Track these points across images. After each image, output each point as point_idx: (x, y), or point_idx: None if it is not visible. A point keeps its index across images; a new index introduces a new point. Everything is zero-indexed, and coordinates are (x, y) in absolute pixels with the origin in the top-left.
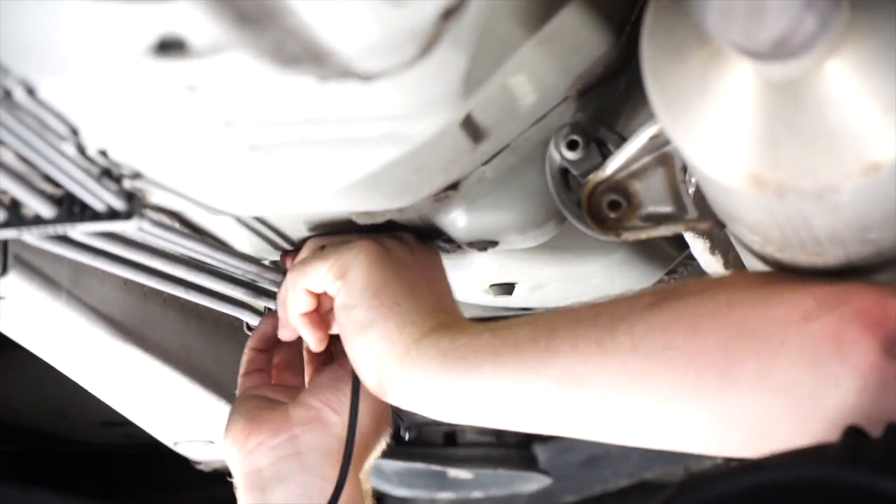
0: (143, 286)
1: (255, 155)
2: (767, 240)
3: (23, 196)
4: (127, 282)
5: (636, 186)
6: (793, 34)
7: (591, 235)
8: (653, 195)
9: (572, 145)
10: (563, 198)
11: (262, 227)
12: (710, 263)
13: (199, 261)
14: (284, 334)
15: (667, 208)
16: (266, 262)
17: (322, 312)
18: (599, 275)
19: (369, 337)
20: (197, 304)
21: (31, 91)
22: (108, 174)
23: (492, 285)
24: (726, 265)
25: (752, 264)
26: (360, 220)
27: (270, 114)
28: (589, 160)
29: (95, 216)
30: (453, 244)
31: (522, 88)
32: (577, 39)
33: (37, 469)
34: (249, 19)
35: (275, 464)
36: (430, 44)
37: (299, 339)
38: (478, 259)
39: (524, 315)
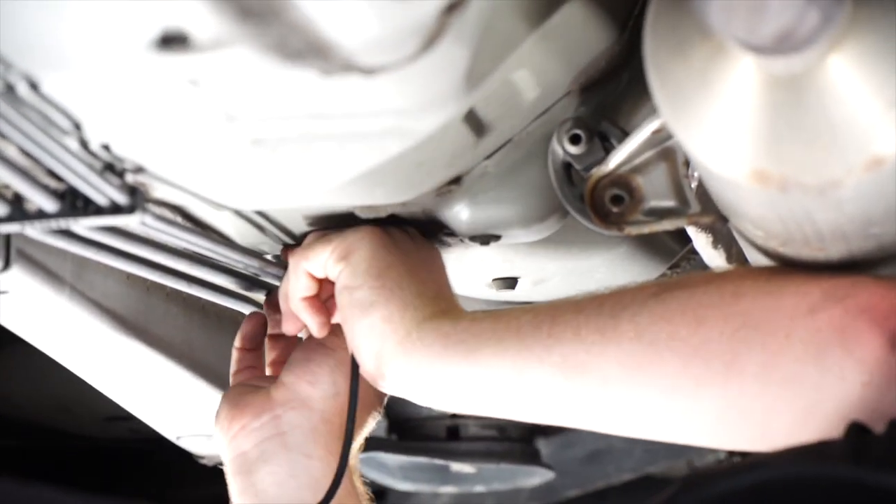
0: (145, 280)
1: (258, 149)
2: (770, 234)
3: (26, 190)
4: (130, 276)
5: (639, 181)
6: (795, 29)
7: (594, 230)
8: (655, 190)
9: (575, 140)
10: (566, 192)
11: (265, 222)
12: (713, 258)
13: (201, 255)
14: (289, 327)
15: (669, 203)
16: (268, 257)
17: (322, 299)
18: (602, 269)
19: (370, 318)
20: (200, 299)
21: (34, 86)
22: (111, 169)
23: (494, 279)
24: (729, 260)
25: (755, 259)
26: (363, 214)
27: (273, 108)
28: (592, 155)
29: (98, 211)
30: (456, 238)
31: (525, 83)
32: (580, 34)
33: (40, 464)
34: (252, 14)
35: (258, 445)
36: (432, 38)
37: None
38: (480, 253)
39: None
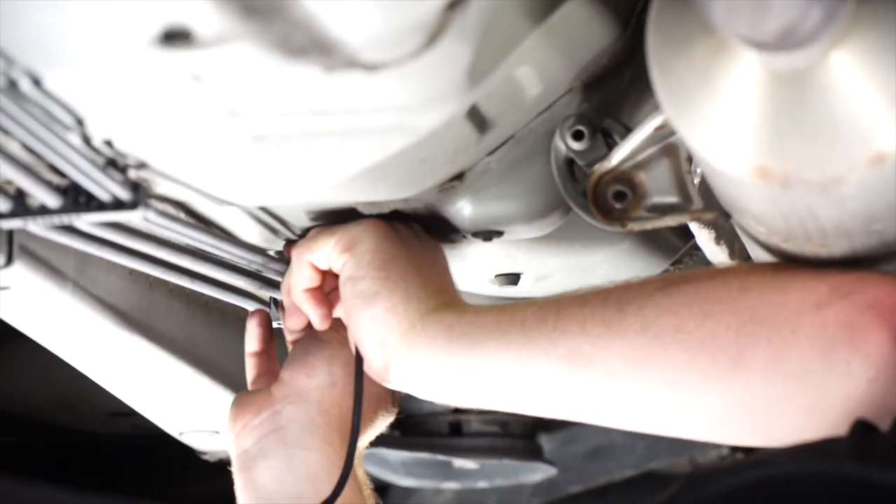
0: (148, 276)
1: (261, 146)
2: (773, 230)
3: (28, 186)
4: (132, 272)
5: (641, 177)
6: (798, 25)
7: (597, 226)
8: (658, 186)
9: (578, 136)
10: (569, 188)
11: (267, 217)
12: (716, 254)
13: (204, 251)
14: (292, 322)
15: (672, 199)
16: (271, 252)
17: (325, 292)
18: (605, 265)
19: (374, 309)
20: (202, 294)
21: (36, 81)
22: (114, 164)
23: (497, 275)
24: (732, 255)
25: (758, 255)
26: (366, 211)
27: (276, 104)
28: (594, 151)
29: (101, 206)
30: (458, 234)
31: (527, 79)
32: (583, 31)
33: (42, 460)
34: (255, 10)
35: (258, 442)
36: (435, 35)
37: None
38: (483, 249)
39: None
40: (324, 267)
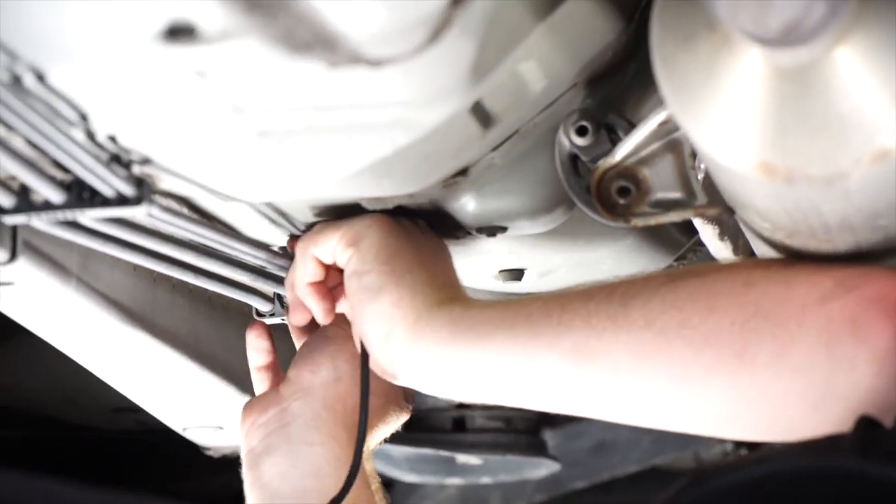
0: (152, 272)
1: (265, 141)
2: (777, 226)
3: (32, 182)
4: (136, 267)
5: (645, 173)
6: (802, 20)
7: (601, 221)
8: (662, 181)
9: (581, 131)
10: (573, 184)
11: (271, 213)
12: (720, 250)
13: (208, 246)
14: (295, 317)
15: (676, 194)
16: (275, 248)
17: (328, 287)
18: (609, 261)
19: (380, 303)
20: (206, 290)
21: (40, 77)
22: (118, 160)
23: (501, 271)
24: (735, 251)
25: (762, 250)
26: (370, 206)
27: (280, 100)
28: (598, 146)
29: (105, 202)
30: (462, 230)
31: (531, 75)
32: (587, 26)
33: (46, 455)
34: (259, 5)
35: (264, 439)
36: (439, 30)
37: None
38: (487, 245)
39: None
40: (328, 261)
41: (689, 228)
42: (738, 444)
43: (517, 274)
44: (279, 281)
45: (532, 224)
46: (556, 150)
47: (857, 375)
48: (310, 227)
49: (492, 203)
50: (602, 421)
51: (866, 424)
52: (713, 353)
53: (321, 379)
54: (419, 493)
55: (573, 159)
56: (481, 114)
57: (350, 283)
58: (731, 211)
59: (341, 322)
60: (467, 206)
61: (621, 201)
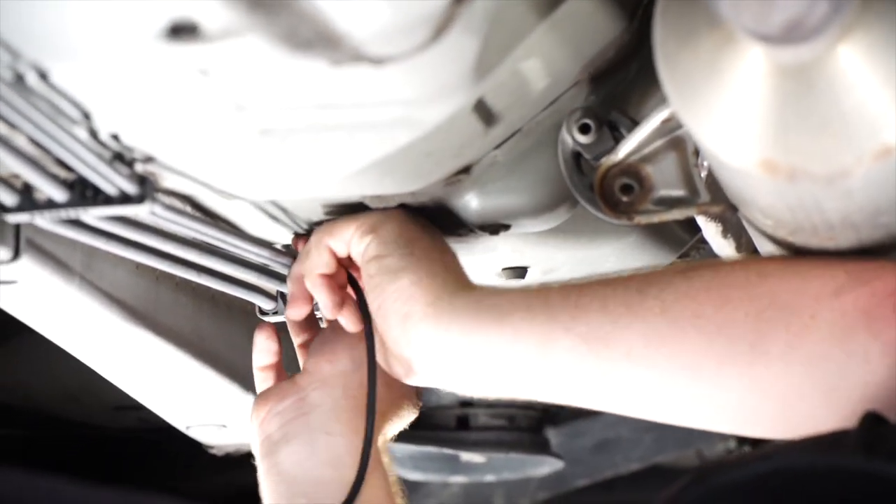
0: (155, 270)
1: (267, 139)
2: (780, 223)
3: (35, 180)
4: (139, 266)
5: (648, 170)
6: (804, 18)
7: (604, 219)
8: (665, 179)
9: (584, 129)
10: (576, 181)
11: (275, 210)
12: (723, 247)
13: (211, 244)
14: (294, 311)
15: (679, 192)
16: (278, 246)
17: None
18: (612, 258)
19: (399, 282)
20: (209, 288)
21: (43, 75)
22: (121, 158)
23: (504, 269)
24: (738, 249)
25: (765, 248)
26: (372, 204)
27: (282, 98)
28: (601, 144)
29: (108, 200)
30: (465, 228)
31: (534, 72)
32: (589, 24)
33: (49, 453)
34: (261, 4)
35: (282, 427)
36: (441, 28)
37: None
38: (490, 243)
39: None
40: (342, 252)
41: (692, 226)
42: (741, 442)
43: (520, 272)
44: (282, 279)
45: (535, 222)
46: (559, 147)
47: (871, 369)
48: (314, 224)
49: (494, 201)
50: (604, 419)
51: (872, 420)
52: (727, 342)
53: (340, 369)
54: (423, 490)
55: (576, 157)
56: (484, 112)
57: (369, 267)
58: (733, 208)
59: (352, 315)
60: (470, 204)
61: (624, 199)
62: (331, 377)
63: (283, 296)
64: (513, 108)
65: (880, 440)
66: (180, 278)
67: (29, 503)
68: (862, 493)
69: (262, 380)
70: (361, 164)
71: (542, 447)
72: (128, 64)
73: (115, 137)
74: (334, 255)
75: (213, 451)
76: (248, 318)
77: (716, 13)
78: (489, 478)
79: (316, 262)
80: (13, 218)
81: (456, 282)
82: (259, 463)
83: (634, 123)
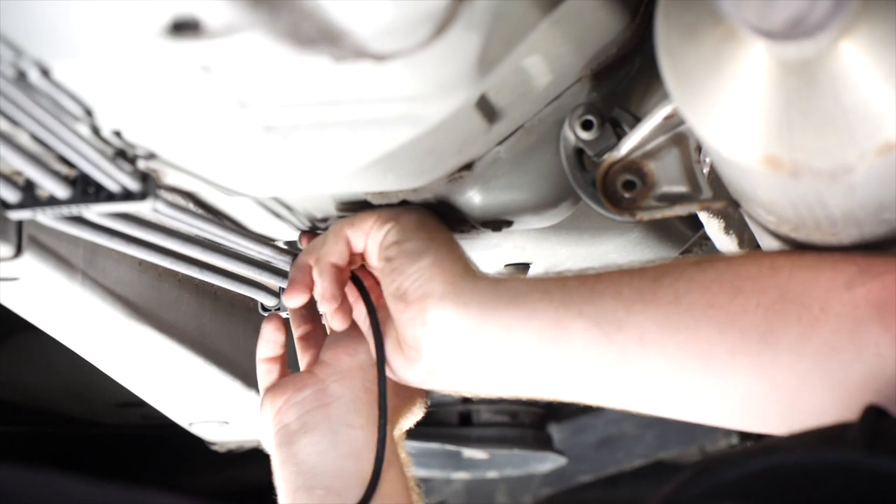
0: (157, 267)
1: (270, 136)
2: (782, 219)
3: (37, 177)
4: (142, 263)
5: (651, 166)
6: (807, 14)
7: (606, 215)
8: (667, 175)
9: (587, 125)
10: (578, 178)
11: (278, 207)
12: (725, 243)
13: (213, 241)
14: (291, 299)
15: (681, 188)
16: (280, 243)
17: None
18: (614, 255)
19: (420, 263)
20: (212, 285)
21: (45, 72)
22: (123, 155)
23: (506, 265)
24: (741, 245)
25: (767, 244)
26: (375, 201)
27: (285, 95)
28: (603, 140)
29: (110, 197)
30: (468, 225)
31: (537, 69)
32: (592, 20)
33: (52, 450)
34: (264, 0)
35: (301, 417)
36: (444, 24)
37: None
38: (492, 239)
39: None
40: (360, 244)
41: (694, 222)
42: (745, 438)
43: (523, 268)
44: (284, 276)
45: (537, 218)
46: (562, 144)
47: (881, 362)
48: (317, 221)
49: (497, 197)
50: (608, 415)
51: (874, 414)
52: (738, 333)
53: (359, 362)
54: (425, 487)
55: (578, 153)
56: (486, 108)
57: (389, 251)
58: (736, 204)
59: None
60: (472, 200)
61: (627, 195)
62: (350, 370)
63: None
64: (515, 105)
65: (882, 435)
66: (183, 275)
67: (31, 500)
68: (864, 491)
69: (266, 372)
70: (364, 160)
71: (545, 443)
72: (130, 61)
73: (118, 134)
74: (350, 247)
75: (216, 448)
76: (250, 315)
77: (718, 9)
78: (492, 474)
79: (331, 250)
80: (15, 215)
81: (474, 268)
82: (274, 452)
83: (637, 120)
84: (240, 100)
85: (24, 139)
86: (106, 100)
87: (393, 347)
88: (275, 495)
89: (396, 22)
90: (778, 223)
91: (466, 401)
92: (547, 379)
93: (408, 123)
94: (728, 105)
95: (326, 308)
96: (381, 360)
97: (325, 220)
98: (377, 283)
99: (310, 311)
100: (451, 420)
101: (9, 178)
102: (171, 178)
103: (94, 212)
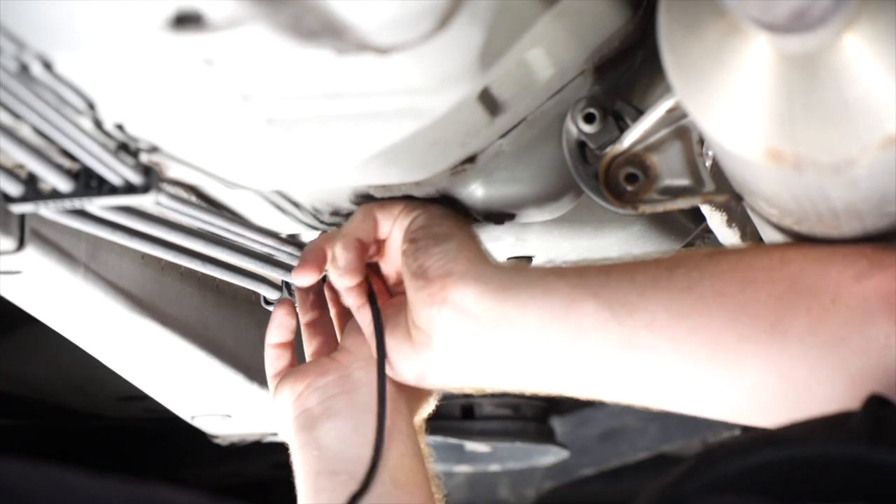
0: (160, 260)
1: (273, 129)
2: (785, 212)
3: (40, 170)
4: (144, 256)
5: (653, 159)
6: (810, 8)
7: (608, 209)
8: (670, 168)
9: (589, 118)
10: (581, 171)
11: (280, 200)
12: (728, 236)
13: (216, 234)
14: (301, 277)
15: (684, 181)
16: (283, 236)
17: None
18: (616, 248)
19: (446, 245)
20: (214, 278)
21: (48, 65)
22: (125, 148)
23: (509, 258)
24: (743, 238)
25: (770, 237)
26: (378, 194)
27: (288, 88)
28: (606, 133)
29: (112, 190)
30: (470, 218)
31: (539, 62)
32: (594, 13)
33: (54, 443)
34: None
35: (323, 402)
36: (447, 17)
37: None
38: (495, 232)
39: None
40: (387, 227)
41: (697, 215)
42: (746, 430)
43: (525, 261)
44: (287, 269)
45: (540, 211)
46: (564, 137)
47: (890, 354)
48: (326, 216)
49: (500, 190)
50: (610, 408)
51: (875, 403)
52: (748, 321)
53: None
54: None
55: (581, 146)
56: (489, 101)
57: (415, 234)
58: (739, 198)
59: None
60: (475, 193)
61: (629, 188)
62: (373, 358)
63: (287, 286)
64: (518, 98)
65: (884, 426)
66: (185, 268)
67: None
68: (865, 483)
69: (275, 358)
70: (367, 153)
71: (548, 436)
72: (133, 54)
73: (120, 127)
74: (377, 225)
75: (218, 441)
76: (252, 308)
77: (721, 3)
78: (494, 467)
79: (359, 227)
80: (18, 208)
81: (494, 259)
82: (294, 436)
83: (639, 113)
84: (242, 93)
85: (26, 132)
86: (108, 93)
87: (401, 336)
88: (276, 490)
89: (399, 15)
90: (780, 216)
91: (469, 394)
92: (554, 364)
93: (411, 116)
94: (731, 98)
95: (347, 283)
96: (381, 349)
97: (335, 213)
98: (379, 279)
99: (318, 298)
100: (453, 413)
101: (11, 172)
102: (173, 171)
103: (97, 205)
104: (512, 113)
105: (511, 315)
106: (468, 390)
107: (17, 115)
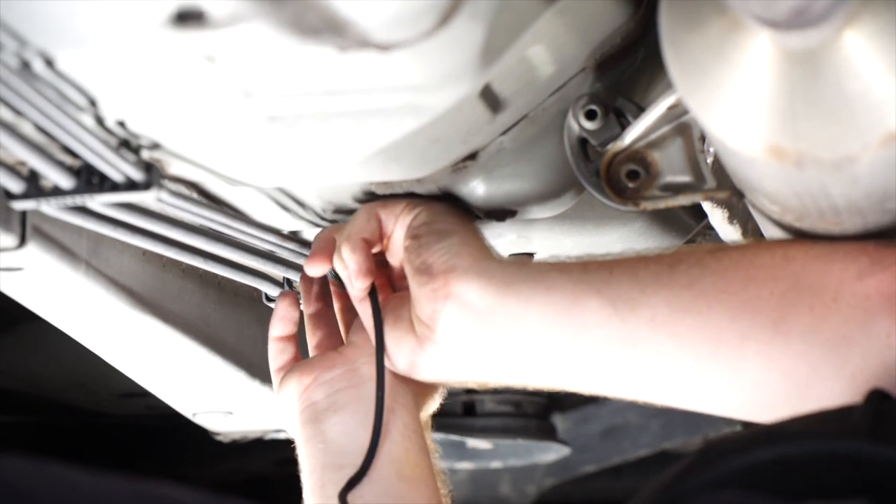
0: (161, 257)
1: (275, 126)
2: (786, 209)
3: (41, 167)
4: (146, 253)
5: (654, 156)
6: (811, 4)
7: (610, 205)
8: (671, 165)
9: (591, 115)
10: (582, 167)
11: (281, 197)
12: (729, 233)
13: (217, 231)
14: (313, 267)
15: (685, 178)
16: (284, 232)
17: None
18: (618, 245)
19: (449, 241)
20: (215, 275)
21: (49, 62)
22: (127, 145)
23: (510, 255)
24: (745, 235)
25: (771, 233)
26: (379, 191)
27: (289, 85)
28: (607, 130)
29: (114, 187)
30: (472, 214)
31: (541, 59)
32: (596, 10)
33: (56, 440)
34: None
35: (330, 395)
36: (448, 14)
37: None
38: (496, 229)
39: None
40: (390, 225)
41: (698, 212)
42: (747, 426)
43: (527, 258)
44: (289, 265)
45: (541, 208)
46: (565, 134)
47: (892, 353)
48: (329, 213)
49: (501, 187)
50: (612, 405)
51: (877, 399)
52: (749, 319)
53: None
54: None
55: (582, 143)
56: (490, 98)
57: (418, 230)
58: (740, 194)
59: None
60: (476, 190)
61: (630, 185)
62: None
63: (289, 282)
64: (519, 95)
65: (886, 420)
66: (187, 265)
67: (35, 490)
68: (867, 480)
69: (279, 351)
70: (368, 150)
71: (549, 433)
72: (134, 51)
73: (122, 124)
74: (380, 224)
75: (219, 438)
76: (254, 305)
77: None
78: (496, 464)
79: (364, 227)
80: (19, 205)
81: (497, 254)
82: (299, 430)
83: (640, 110)
84: (244, 90)
85: (28, 129)
86: (110, 90)
87: (404, 330)
88: (278, 486)
89: (401, 12)
90: (782, 213)
91: (470, 390)
92: (557, 359)
93: (412, 113)
94: (732, 95)
95: (360, 285)
96: (380, 339)
97: (337, 211)
98: (382, 274)
99: (321, 290)
100: (454, 410)
101: (13, 169)
102: (175, 167)
103: (98, 202)
104: (513, 110)
105: (514, 310)
106: (471, 385)
107: (18, 112)
